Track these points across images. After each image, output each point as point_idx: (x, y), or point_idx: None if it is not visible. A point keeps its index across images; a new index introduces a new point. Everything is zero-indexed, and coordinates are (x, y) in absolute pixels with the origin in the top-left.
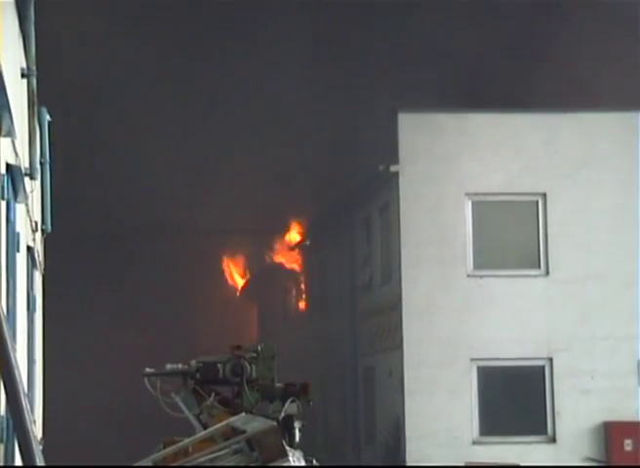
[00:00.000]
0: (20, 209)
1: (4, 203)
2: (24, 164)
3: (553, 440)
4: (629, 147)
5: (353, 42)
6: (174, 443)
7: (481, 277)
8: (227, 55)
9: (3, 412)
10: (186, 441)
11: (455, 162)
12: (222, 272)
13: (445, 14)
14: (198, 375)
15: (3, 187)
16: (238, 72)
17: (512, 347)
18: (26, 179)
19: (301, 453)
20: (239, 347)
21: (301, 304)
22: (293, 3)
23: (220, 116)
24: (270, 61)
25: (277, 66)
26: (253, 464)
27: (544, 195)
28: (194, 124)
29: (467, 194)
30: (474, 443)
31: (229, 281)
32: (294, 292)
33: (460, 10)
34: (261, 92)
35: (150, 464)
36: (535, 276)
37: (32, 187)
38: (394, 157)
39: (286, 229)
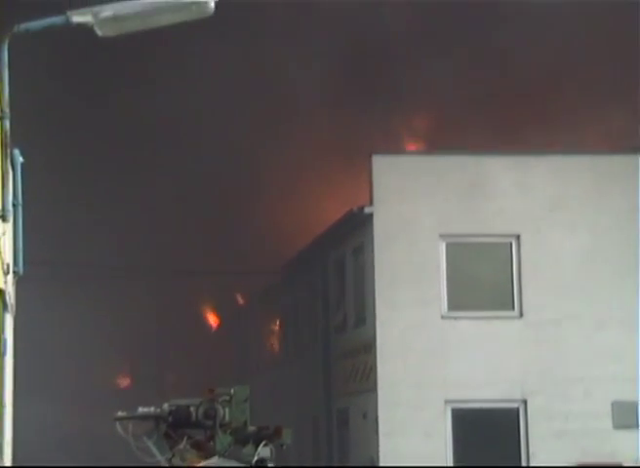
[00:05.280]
0: None
1: None
2: None
3: None
4: (602, 190)
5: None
6: None
7: (455, 318)
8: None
9: None
10: None
11: (428, 204)
12: (196, 314)
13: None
14: (170, 419)
15: None
16: (206, 110)
17: (487, 389)
18: None
19: None
20: (212, 390)
21: (275, 346)
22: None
23: (191, 155)
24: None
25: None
26: None
27: (518, 237)
28: (163, 161)
29: (441, 236)
30: None
31: (202, 323)
32: (268, 333)
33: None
34: (232, 128)
35: None
36: (509, 318)
37: (4, 229)
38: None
39: (260, 270)
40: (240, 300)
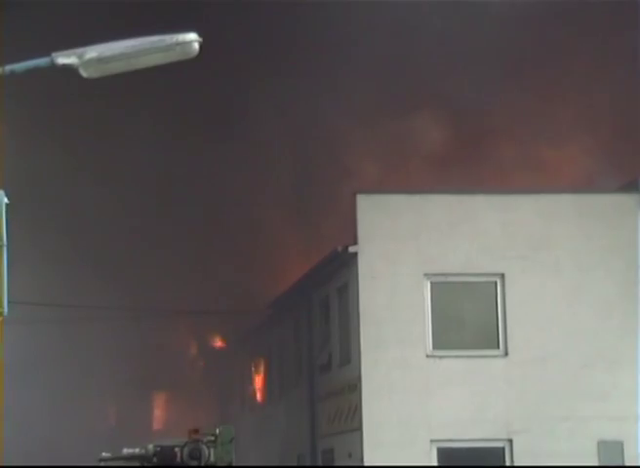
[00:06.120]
0: None
1: None
2: None
3: None
4: (586, 229)
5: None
6: None
7: (440, 357)
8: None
9: None
10: None
11: (413, 243)
12: (180, 354)
13: None
14: (155, 460)
15: None
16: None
17: (472, 428)
18: None
19: None
20: (197, 431)
21: (260, 386)
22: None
23: (182, 195)
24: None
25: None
26: None
27: (503, 276)
28: (156, 205)
29: (426, 274)
30: None
31: (187, 363)
32: (253, 373)
33: None
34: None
35: None
36: (494, 356)
37: None
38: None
39: (244, 310)
40: (224, 340)
